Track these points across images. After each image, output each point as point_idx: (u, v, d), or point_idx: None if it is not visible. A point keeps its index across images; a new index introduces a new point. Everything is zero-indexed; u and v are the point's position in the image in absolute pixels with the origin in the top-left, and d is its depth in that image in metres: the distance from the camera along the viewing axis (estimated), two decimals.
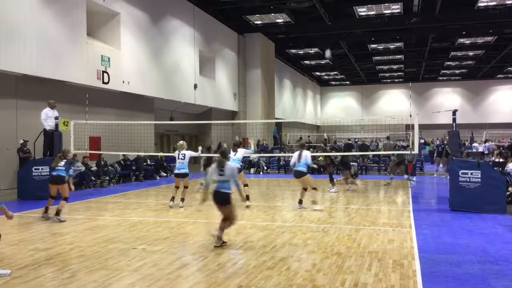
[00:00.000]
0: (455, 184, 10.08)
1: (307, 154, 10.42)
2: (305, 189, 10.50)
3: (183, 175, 10.91)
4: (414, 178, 17.61)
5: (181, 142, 11.16)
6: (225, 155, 7.06)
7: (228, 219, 6.80)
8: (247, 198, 10.66)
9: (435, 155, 21.04)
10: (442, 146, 19.80)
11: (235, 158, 10.73)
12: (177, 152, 11.00)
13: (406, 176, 16.05)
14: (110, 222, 8.83)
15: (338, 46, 30.96)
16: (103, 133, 15.83)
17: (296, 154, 10.60)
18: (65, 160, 9.22)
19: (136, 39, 17.96)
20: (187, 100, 21.67)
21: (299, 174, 10.38)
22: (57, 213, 8.91)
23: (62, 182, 9.03)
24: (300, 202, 10.56)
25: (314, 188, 10.48)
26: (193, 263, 5.96)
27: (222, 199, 6.74)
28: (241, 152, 11.15)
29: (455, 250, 6.61)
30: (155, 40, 19.14)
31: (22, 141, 12.91)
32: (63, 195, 9.11)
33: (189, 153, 11.03)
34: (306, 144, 12.92)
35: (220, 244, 6.73)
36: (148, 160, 18.63)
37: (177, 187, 11.02)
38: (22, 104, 13.61)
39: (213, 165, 6.97)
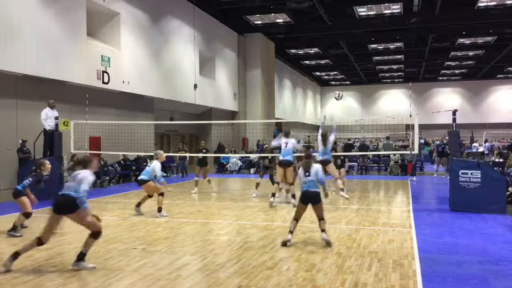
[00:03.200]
0: (455, 184, 10.08)
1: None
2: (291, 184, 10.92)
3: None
4: (414, 178, 17.65)
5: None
6: (309, 157, 7.39)
7: (321, 218, 6.88)
8: (293, 197, 10.85)
9: (434, 155, 21.05)
10: (442, 146, 19.80)
11: (286, 150, 10.83)
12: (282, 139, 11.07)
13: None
14: (110, 222, 8.83)
15: (338, 46, 30.95)
16: (103, 133, 15.83)
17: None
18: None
19: (136, 39, 17.95)
20: (187, 100, 21.67)
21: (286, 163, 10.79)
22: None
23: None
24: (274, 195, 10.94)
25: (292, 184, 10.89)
26: (193, 263, 5.96)
27: (313, 198, 6.90)
28: (291, 143, 11.07)
29: (455, 250, 6.61)
30: (155, 40, 19.13)
31: (21, 141, 12.90)
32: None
33: (292, 141, 11.08)
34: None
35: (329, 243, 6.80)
36: (148, 160, 18.60)
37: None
38: (22, 104, 13.61)
39: (300, 167, 7.30)
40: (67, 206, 5.69)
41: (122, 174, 17.10)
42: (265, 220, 9.11)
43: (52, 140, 12.54)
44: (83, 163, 6.03)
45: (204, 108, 24.23)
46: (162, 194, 9.68)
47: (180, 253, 6.45)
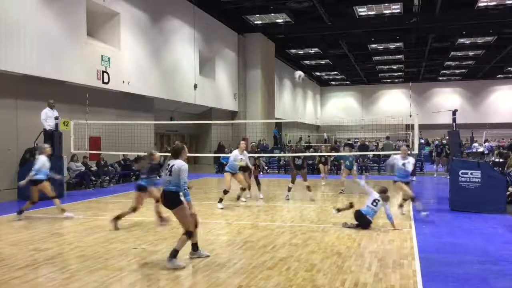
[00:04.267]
0: (455, 184, 10.08)
1: None
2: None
3: None
4: (414, 178, 17.65)
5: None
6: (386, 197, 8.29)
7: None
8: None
9: (434, 155, 21.05)
10: (441, 146, 19.80)
11: None
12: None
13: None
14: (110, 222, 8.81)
15: (338, 46, 30.95)
16: (103, 133, 15.83)
17: None
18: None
19: (136, 39, 17.96)
20: (187, 100, 21.67)
21: None
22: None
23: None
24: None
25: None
26: (193, 263, 5.96)
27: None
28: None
29: (455, 250, 6.61)
30: (155, 40, 19.13)
31: (36, 145, 12.84)
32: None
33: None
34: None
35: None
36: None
37: None
38: (22, 104, 13.60)
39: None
40: (171, 203, 5.87)
41: (122, 174, 17.09)
42: (265, 220, 9.11)
43: (52, 140, 12.53)
44: (174, 154, 6.02)
45: (204, 108, 24.23)
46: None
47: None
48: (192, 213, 5.87)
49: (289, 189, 12.15)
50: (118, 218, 8.19)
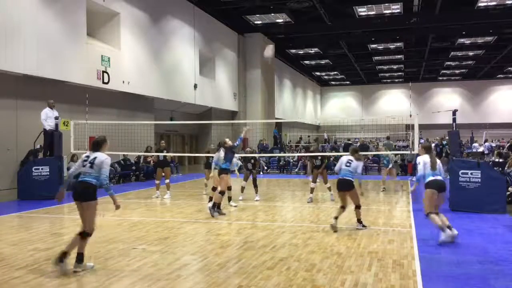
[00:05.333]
0: (455, 184, 10.08)
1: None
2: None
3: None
4: (414, 178, 17.60)
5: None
6: (355, 151, 8.11)
7: (357, 202, 7.91)
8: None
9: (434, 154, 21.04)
10: (440, 146, 19.78)
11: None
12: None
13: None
14: (110, 222, 8.83)
15: (338, 46, 30.95)
16: (103, 133, 15.67)
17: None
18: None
19: (136, 39, 17.96)
20: (187, 100, 21.67)
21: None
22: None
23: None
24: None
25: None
26: (193, 263, 5.96)
27: (346, 186, 7.78)
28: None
29: (455, 250, 6.60)
30: (155, 40, 19.13)
31: (39, 146, 12.87)
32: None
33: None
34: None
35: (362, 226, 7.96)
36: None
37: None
38: (22, 104, 13.61)
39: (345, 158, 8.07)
40: (86, 195, 5.60)
41: (122, 174, 17.09)
42: (265, 220, 9.11)
43: (52, 140, 12.54)
44: (96, 146, 5.86)
45: (204, 108, 24.23)
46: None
47: (180, 253, 6.45)
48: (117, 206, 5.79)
49: (312, 190, 11.76)
50: (214, 205, 9.32)
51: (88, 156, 5.70)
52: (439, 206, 7.32)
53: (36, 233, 7.83)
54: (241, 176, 12.68)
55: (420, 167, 7.42)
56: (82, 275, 5.41)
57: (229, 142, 10.04)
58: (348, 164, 7.87)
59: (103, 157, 5.67)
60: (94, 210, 5.63)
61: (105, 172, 5.64)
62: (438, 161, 7.43)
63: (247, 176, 12.22)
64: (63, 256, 5.40)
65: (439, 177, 7.25)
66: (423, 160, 7.38)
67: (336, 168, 8.17)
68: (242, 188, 12.23)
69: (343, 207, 7.99)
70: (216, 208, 9.43)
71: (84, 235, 5.55)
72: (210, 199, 10.11)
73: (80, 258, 5.53)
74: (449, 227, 6.98)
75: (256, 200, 11.73)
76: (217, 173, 10.06)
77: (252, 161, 12.22)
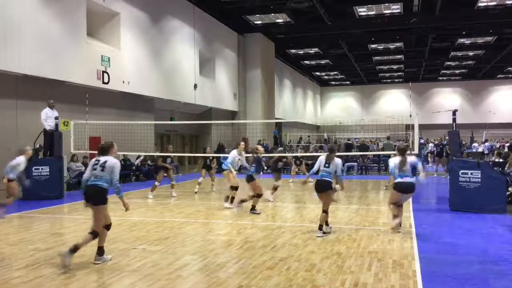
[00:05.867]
0: (455, 184, 10.08)
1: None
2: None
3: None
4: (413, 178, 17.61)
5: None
6: (332, 151, 7.78)
7: (327, 207, 7.61)
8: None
9: (429, 154, 21.07)
10: (441, 146, 19.78)
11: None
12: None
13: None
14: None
15: (338, 46, 30.94)
16: (103, 133, 15.81)
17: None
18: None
19: (136, 39, 17.96)
20: (187, 100, 21.67)
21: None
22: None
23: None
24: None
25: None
26: (193, 263, 5.96)
27: (326, 187, 7.50)
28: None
29: (455, 250, 6.61)
30: (155, 40, 19.13)
31: (39, 146, 12.86)
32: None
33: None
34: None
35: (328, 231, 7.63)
36: (149, 161, 18.62)
37: None
38: (22, 104, 13.61)
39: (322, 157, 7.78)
40: (98, 198, 5.95)
41: (122, 174, 17.07)
42: (265, 220, 9.11)
43: (52, 140, 12.54)
44: (103, 151, 6.19)
45: (204, 108, 24.23)
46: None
47: (180, 253, 6.45)
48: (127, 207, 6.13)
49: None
50: (243, 201, 9.72)
51: (98, 160, 5.97)
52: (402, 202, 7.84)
53: (36, 233, 7.84)
54: (239, 176, 12.64)
55: (391, 168, 7.82)
56: (82, 275, 5.41)
57: (261, 149, 10.36)
58: (326, 165, 7.56)
59: (113, 161, 6.01)
60: (104, 213, 5.94)
61: (117, 175, 5.98)
62: (408, 161, 7.65)
63: (279, 176, 12.47)
64: (75, 249, 5.67)
65: (407, 179, 7.56)
66: (394, 162, 7.74)
67: (314, 168, 7.83)
68: (276, 188, 12.07)
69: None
70: (251, 209, 9.86)
71: (93, 234, 5.85)
72: (228, 198, 10.56)
73: (100, 251, 5.93)
74: (397, 217, 7.66)
75: (270, 201, 11.59)
76: (227, 173, 10.70)
77: (284, 160, 12.33)
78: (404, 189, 7.54)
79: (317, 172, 7.79)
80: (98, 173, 5.87)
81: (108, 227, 6.06)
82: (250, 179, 9.70)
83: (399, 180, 7.55)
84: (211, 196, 13.13)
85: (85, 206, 5.94)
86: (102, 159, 5.97)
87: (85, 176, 6.04)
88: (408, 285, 4.99)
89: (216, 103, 24.89)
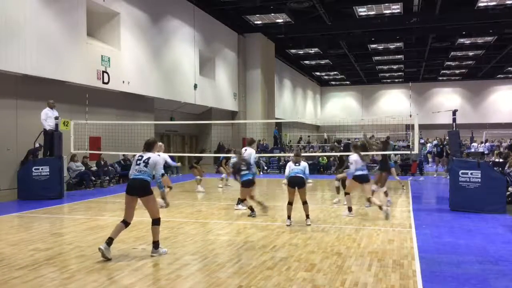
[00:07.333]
0: (455, 184, 10.07)
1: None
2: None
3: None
4: (422, 178, 17.82)
5: None
6: (298, 154, 8.78)
7: (305, 202, 8.49)
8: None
9: (433, 154, 21.07)
10: (441, 146, 19.78)
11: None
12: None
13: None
14: (110, 222, 8.82)
15: (338, 46, 30.95)
16: (103, 133, 15.83)
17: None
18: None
19: (136, 39, 17.96)
20: (187, 100, 21.68)
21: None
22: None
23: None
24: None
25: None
26: (193, 263, 5.96)
27: (300, 183, 8.37)
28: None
29: (455, 250, 6.61)
30: (155, 40, 19.14)
31: (39, 145, 12.86)
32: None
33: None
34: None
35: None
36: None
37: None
38: (22, 104, 13.61)
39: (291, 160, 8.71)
40: (143, 190, 6.32)
41: (122, 174, 17.07)
42: (265, 220, 9.11)
43: (52, 140, 12.54)
44: (148, 147, 6.59)
45: (204, 108, 24.23)
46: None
47: (180, 253, 6.45)
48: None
49: (338, 190, 11.42)
50: (260, 204, 9.53)
51: (141, 156, 6.38)
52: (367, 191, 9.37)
53: (36, 233, 7.83)
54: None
55: (351, 164, 9.17)
56: (82, 275, 5.41)
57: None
58: (297, 165, 8.51)
59: (156, 158, 6.42)
60: (154, 201, 6.33)
61: (159, 171, 6.43)
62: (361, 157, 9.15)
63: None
64: (110, 241, 6.07)
65: (365, 172, 9.24)
66: (354, 159, 9.12)
67: (286, 172, 8.68)
68: (337, 189, 11.51)
69: (291, 204, 8.49)
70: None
71: (154, 222, 6.27)
72: (239, 200, 10.13)
73: (156, 245, 6.26)
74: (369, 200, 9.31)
75: (335, 203, 11.15)
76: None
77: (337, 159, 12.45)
78: (363, 179, 9.17)
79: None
80: (141, 168, 6.26)
81: (156, 221, 6.29)
82: (250, 183, 9.34)
83: (359, 173, 9.10)
84: (211, 196, 13.13)
85: (128, 198, 6.29)
86: (146, 155, 6.36)
87: (131, 172, 6.43)
88: (408, 285, 4.99)
89: (216, 103, 24.89)
